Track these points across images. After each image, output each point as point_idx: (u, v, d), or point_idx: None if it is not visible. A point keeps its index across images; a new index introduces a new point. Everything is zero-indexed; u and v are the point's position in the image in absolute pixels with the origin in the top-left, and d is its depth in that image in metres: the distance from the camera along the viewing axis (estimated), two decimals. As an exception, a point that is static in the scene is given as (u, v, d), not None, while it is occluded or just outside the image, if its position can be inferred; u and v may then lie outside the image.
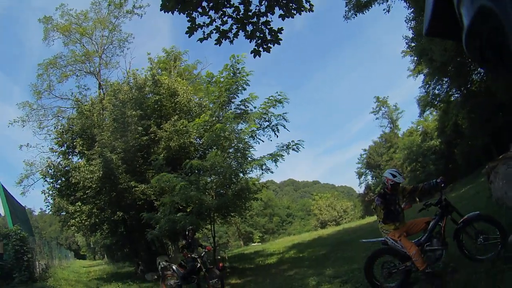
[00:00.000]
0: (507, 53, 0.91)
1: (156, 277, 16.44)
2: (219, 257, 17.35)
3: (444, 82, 32.74)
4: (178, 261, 13.83)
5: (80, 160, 20.21)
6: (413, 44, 30.05)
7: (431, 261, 6.60)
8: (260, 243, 47.78)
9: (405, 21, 27.41)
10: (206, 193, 15.44)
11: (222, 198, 15.66)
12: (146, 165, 18.10)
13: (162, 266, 14.85)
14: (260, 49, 7.41)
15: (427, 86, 36.23)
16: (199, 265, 11.94)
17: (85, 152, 18.54)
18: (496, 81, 24.22)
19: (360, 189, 71.96)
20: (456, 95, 33.66)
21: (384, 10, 24.00)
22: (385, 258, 7.18)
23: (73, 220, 18.57)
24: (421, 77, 38.73)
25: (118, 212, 17.90)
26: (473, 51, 1.09)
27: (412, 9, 25.43)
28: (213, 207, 15.27)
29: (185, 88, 19.87)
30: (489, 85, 26.38)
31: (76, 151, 19.52)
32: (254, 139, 16.19)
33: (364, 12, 24.53)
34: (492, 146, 30.23)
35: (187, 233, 12.78)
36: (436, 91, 35.40)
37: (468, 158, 34.65)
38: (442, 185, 7.04)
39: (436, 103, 37.33)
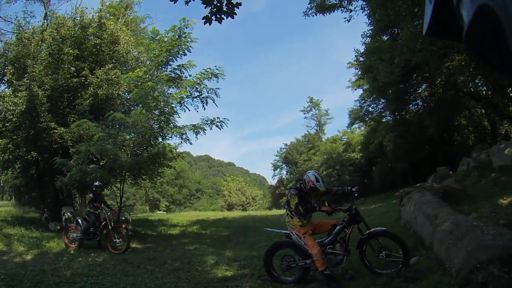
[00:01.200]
0: (507, 53, 0.88)
1: (59, 227, 15.74)
2: (123, 218, 17.04)
3: (380, 102, 33.62)
4: (83, 214, 13.53)
5: (7, 89, 19.10)
6: (361, 59, 30.66)
7: (331, 264, 6.75)
8: (165, 212, 47.27)
9: (361, 35, 27.84)
10: (122, 150, 15.06)
11: (136, 158, 15.41)
12: (70, 108, 17.31)
13: (66, 217, 14.48)
14: (213, 17, 7.32)
15: (363, 101, 37.23)
16: (104, 222, 11.82)
17: (14, 81, 17.37)
18: (431, 118, 25.33)
19: (272, 181, 71.75)
20: (389, 118, 34.78)
21: (345, 18, 23.66)
22: (286, 251, 7.30)
23: (-13, 153, 17.59)
24: (359, 91, 39.91)
25: (32, 152, 16.84)
26: (473, 51, 1.07)
27: (372, 27, 25.88)
28: (126, 166, 14.93)
29: (127, 38, 19.20)
30: (423, 119, 27.52)
31: (5, 79, 18.29)
32: (181, 106, 16.12)
33: (325, 15, 24.60)
34: (410, 173, 31.55)
35: (94, 188, 12.53)
36: (370, 109, 36.45)
37: (384, 178, 35.99)
38: (356, 194, 7.22)
39: (367, 119, 38.58)
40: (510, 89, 23.35)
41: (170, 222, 20.94)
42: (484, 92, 28.12)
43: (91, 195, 12.48)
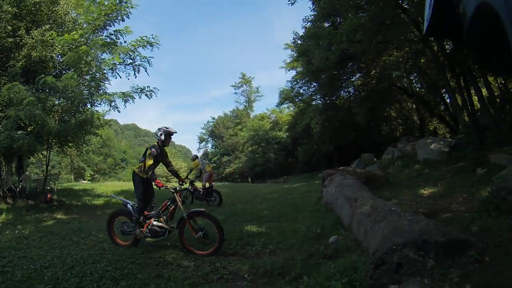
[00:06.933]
0: (507, 52, 0.88)
1: (-14, 198, 15.12)
2: (48, 188, 16.49)
3: (312, 85, 34.46)
4: (9, 184, 12.95)
5: None
6: (299, 42, 31.02)
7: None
8: (90, 182, 45.87)
9: (303, 19, 28.20)
10: (50, 116, 14.62)
11: (64, 124, 15.00)
12: (2, 70, 16.35)
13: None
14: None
15: (295, 83, 37.95)
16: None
17: None
18: (360, 106, 26.19)
19: (198, 154, 72.48)
20: (319, 101, 35.67)
21: (289, 0, 23.41)
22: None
23: None
24: (292, 73, 40.81)
25: (-40, 118, 15.91)
26: (473, 50, 1.11)
27: (315, 13, 26.08)
28: (54, 132, 14.49)
29: (69, -1, 18.15)
30: (352, 106, 28.42)
31: None
32: (113, 72, 15.93)
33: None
34: (335, 156, 32.65)
35: None
36: (301, 91, 37.40)
37: (309, 159, 37.31)
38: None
39: (297, 100, 39.47)
40: (444, 90, 24.50)
41: (95, 192, 20.66)
42: (417, 89, 29.52)
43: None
